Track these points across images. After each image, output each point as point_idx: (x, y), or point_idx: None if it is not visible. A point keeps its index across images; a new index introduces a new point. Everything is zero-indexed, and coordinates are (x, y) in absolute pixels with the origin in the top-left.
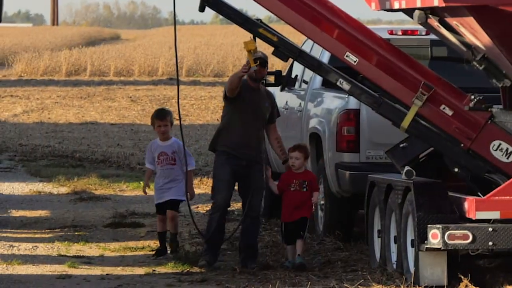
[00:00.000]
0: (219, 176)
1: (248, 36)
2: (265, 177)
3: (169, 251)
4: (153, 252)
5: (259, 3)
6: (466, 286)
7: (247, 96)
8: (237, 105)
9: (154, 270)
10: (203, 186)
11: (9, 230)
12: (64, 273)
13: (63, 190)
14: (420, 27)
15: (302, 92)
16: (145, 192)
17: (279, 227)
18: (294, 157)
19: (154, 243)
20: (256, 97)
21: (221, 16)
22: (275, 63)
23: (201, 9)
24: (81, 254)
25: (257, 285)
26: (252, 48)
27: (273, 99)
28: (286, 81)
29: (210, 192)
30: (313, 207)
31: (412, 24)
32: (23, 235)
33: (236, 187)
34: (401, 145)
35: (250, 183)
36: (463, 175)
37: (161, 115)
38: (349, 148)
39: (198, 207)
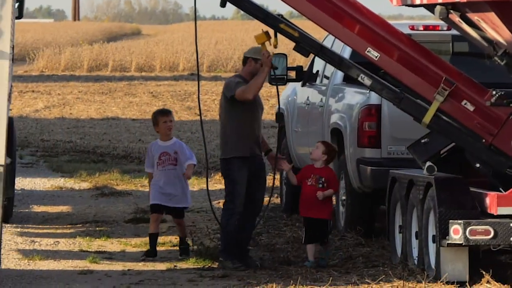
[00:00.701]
0: (238, 181)
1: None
2: (283, 169)
3: (180, 256)
4: (176, 248)
5: None
6: (488, 281)
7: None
8: (248, 105)
9: (175, 266)
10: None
11: (31, 226)
12: (85, 268)
13: (85, 185)
14: (442, 22)
15: (324, 88)
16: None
17: (300, 223)
18: (316, 147)
19: (175, 239)
20: None
21: (242, 12)
22: (297, 59)
23: (222, 5)
24: (103, 250)
25: (278, 281)
26: (263, 41)
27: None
28: (307, 77)
29: None
30: (320, 196)
31: (433, 19)
32: (45, 231)
33: None
34: (423, 141)
35: (258, 178)
36: (485, 171)
37: (165, 111)
38: (370, 143)
39: (219, 202)
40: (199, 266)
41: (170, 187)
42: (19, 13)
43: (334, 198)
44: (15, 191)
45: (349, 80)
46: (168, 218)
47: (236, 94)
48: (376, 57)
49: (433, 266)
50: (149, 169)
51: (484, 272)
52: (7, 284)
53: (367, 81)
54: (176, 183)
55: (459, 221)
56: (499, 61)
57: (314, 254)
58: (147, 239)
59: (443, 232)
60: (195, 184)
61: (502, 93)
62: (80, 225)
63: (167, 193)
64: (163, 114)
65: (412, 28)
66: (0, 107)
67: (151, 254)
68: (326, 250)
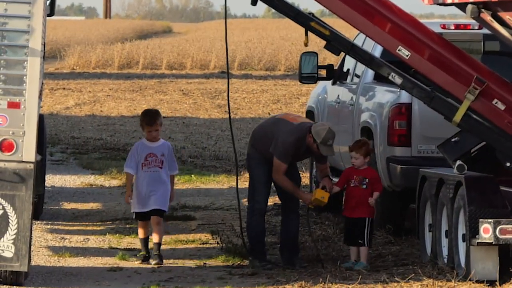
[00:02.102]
0: (257, 177)
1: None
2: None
3: (152, 263)
4: (205, 245)
5: None
6: None
7: None
8: None
9: (205, 263)
10: None
11: (60, 223)
12: (115, 265)
13: (115, 182)
14: (473, 21)
15: (354, 86)
16: (128, 202)
17: (329, 221)
18: (352, 157)
19: (205, 236)
20: None
21: (273, 10)
22: (327, 57)
23: (253, 3)
24: (132, 247)
25: (307, 279)
26: (317, 199)
27: None
28: (338, 75)
29: None
30: (373, 202)
31: (465, 18)
32: (75, 228)
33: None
34: (453, 140)
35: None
36: None
37: (151, 120)
38: (400, 142)
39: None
40: (228, 264)
41: (153, 189)
42: (51, 11)
43: None
44: (46, 188)
45: (380, 78)
46: (198, 216)
47: (274, 160)
48: (407, 55)
49: (463, 265)
50: (129, 169)
51: None
52: (37, 280)
53: (398, 80)
54: (159, 186)
55: (489, 220)
56: None
57: (356, 257)
58: (176, 236)
59: (473, 231)
60: (225, 182)
61: None
62: (110, 222)
63: (149, 190)
64: (148, 124)
65: (444, 27)
66: (31, 104)
67: (146, 259)
68: (363, 260)
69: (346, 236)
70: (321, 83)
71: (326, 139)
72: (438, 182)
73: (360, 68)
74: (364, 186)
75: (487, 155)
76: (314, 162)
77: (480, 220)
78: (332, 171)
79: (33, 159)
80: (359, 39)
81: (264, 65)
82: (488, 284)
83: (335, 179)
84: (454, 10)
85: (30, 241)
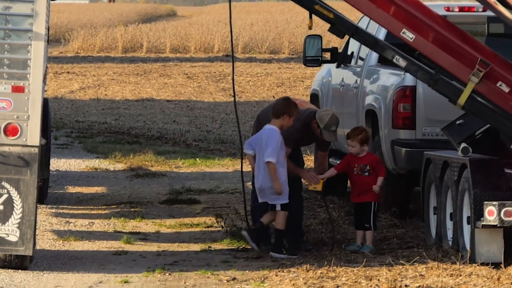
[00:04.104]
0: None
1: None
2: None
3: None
4: (210, 228)
5: None
6: None
7: None
8: None
9: (209, 247)
10: None
11: (65, 206)
12: (120, 249)
13: (119, 166)
14: (477, 3)
15: (358, 69)
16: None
17: (335, 204)
18: (349, 145)
19: (210, 220)
20: None
21: None
22: (332, 40)
23: None
24: (137, 231)
25: (313, 262)
26: (311, 188)
27: None
28: (342, 58)
29: None
30: (377, 190)
31: (469, 0)
32: (80, 212)
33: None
34: (458, 122)
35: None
36: None
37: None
38: (405, 125)
39: None
40: (233, 247)
41: None
42: None
43: None
44: (50, 172)
45: (384, 61)
46: (203, 199)
47: (284, 139)
48: (411, 38)
49: (467, 247)
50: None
51: None
52: (42, 264)
53: (402, 63)
54: None
55: (494, 203)
56: None
57: (362, 240)
58: (181, 220)
59: (478, 213)
60: (230, 166)
61: None
62: (115, 206)
63: None
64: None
65: (448, 9)
66: (36, 88)
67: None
68: (369, 243)
69: (355, 219)
70: (325, 66)
71: (329, 125)
72: (443, 164)
73: (365, 51)
74: (367, 173)
75: (491, 137)
76: (315, 149)
77: (485, 202)
78: (336, 154)
79: (37, 143)
80: (363, 22)
81: (268, 48)
82: (493, 266)
83: (337, 161)
84: None
85: (35, 225)
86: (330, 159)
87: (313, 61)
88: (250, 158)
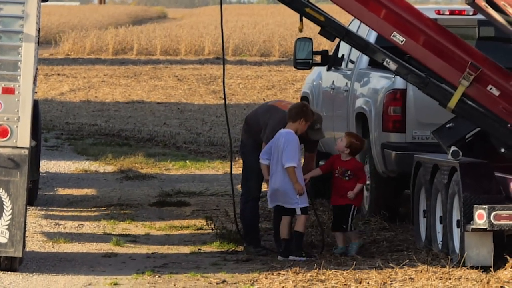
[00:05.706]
0: (251, 164)
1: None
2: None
3: None
4: (200, 231)
5: None
6: None
7: None
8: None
9: (199, 249)
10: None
11: (55, 208)
12: (109, 251)
13: (110, 168)
14: (468, 7)
15: (349, 72)
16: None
17: (324, 207)
18: (341, 138)
19: (200, 222)
20: None
21: None
22: (322, 43)
23: None
24: (127, 233)
25: (302, 264)
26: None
27: None
28: (332, 61)
29: None
30: (352, 196)
31: (459, 4)
32: (69, 214)
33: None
34: (448, 125)
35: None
36: (510, 155)
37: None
38: (395, 128)
39: None
40: (223, 250)
41: None
42: None
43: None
44: (40, 174)
45: (375, 64)
46: (193, 202)
47: (263, 145)
48: (401, 41)
49: (457, 250)
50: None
51: (508, 257)
52: (31, 266)
53: (393, 66)
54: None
55: (484, 206)
56: None
57: (344, 241)
58: (171, 222)
59: (468, 217)
60: (220, 168)
61: None
62: (105, 208)
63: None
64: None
65: (438, 12)
66: (26, 90)
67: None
68: (354, 241)
69: (333, 222)
70: (316, 69)
71: (313, 124)
72: (433, 168)
73: (355, 54)
74: (347, 178)
75: (481, 141)
76: (303, 151)
77: (475, 206)
78: (326, 157)
79: (27, 145)
80: (354, 25)
81: (259, 51)
82: (483, 270)
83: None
84: None
85: (25, 227)
86: (320, 162)
87: (304, 64)
88: (264, 168)
